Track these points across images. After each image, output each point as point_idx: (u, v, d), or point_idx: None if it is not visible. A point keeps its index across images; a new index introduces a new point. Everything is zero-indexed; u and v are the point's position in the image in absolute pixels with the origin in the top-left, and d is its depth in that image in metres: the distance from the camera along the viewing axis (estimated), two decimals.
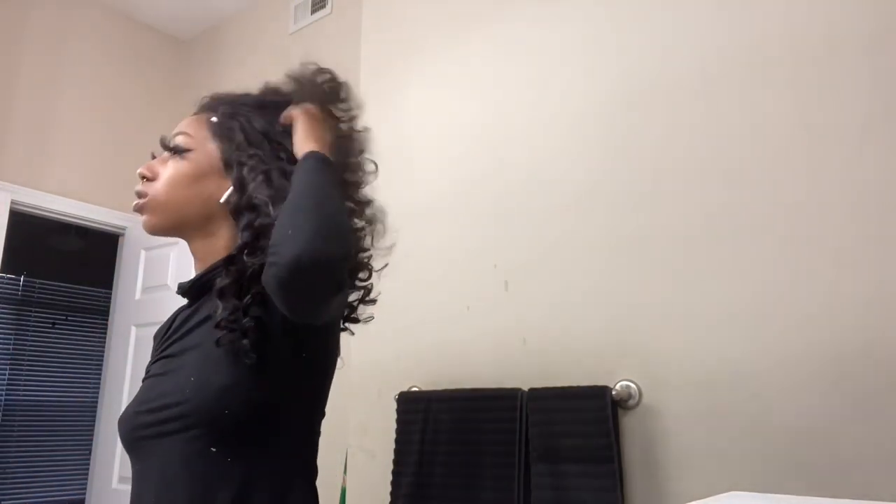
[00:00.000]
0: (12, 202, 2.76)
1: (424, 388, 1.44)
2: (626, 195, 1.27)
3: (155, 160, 0.96)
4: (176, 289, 0.95)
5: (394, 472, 1.38)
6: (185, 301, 0.96)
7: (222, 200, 0.90)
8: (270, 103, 0.98)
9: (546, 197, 1.38)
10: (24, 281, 4.46)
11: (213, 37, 2.87)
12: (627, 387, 1.19)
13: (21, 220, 2.89)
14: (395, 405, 1.44)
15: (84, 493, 3.06)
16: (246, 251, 0.83)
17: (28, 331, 4.48)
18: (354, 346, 1.64)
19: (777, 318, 1.08)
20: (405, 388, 1.46)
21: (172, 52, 3.01)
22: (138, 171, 0.95)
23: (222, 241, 0.92)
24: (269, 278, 0.76)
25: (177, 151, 0.93)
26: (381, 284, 1.66)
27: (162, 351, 0.91)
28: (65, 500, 4.22)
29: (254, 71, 2.59)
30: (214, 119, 0.95)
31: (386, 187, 1.68)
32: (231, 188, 0.90)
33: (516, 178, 1.43)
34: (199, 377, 0.82)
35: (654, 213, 1.23)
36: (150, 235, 1.10)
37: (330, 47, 2.34)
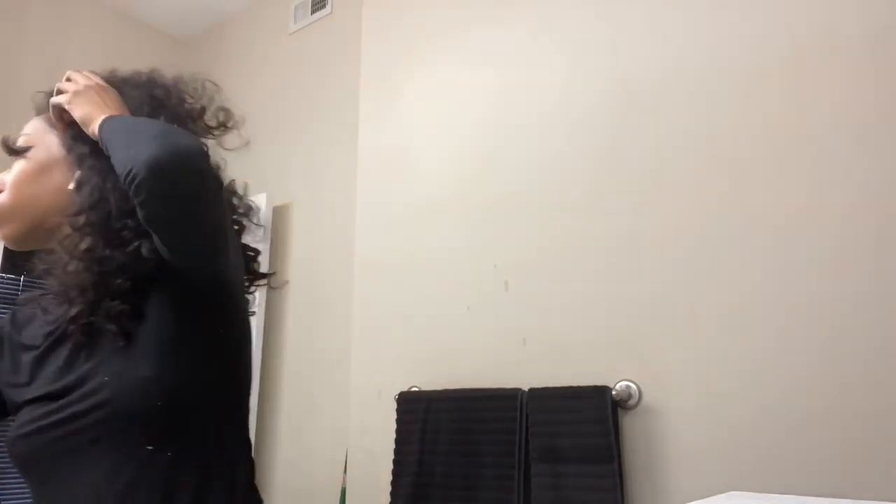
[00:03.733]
0: None
1: (424, 388, 1.44)
2: (626, 195, 1.27)
3: (3, 172, 0.92)
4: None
5: (394, 472, 1.38)
6: None
7: (71, 187, 0.85)
8: (112, 81, 0.93)
9: (546, 197, 1.38)
10: (24, 281, 4.46)
11: (213, 37, 2.87)
12: (627, 387, 1.19)
13: None
14: (395, 405, 1.44)
15: None
16: (106, 240, 0.80)
17: None
18: (354, 346, 1.64)
19: (777, 317, 1.08)
20: (405, 388, 1.46)
21: (172, 52, 3.01)
22: None
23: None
24: (142, 210, 0.72)
25: (17, 153, 0.90)
26: (382, 284, 1.66)
27: (39, 362, 0.84)
28: None
29: (254, 71, 2.60)
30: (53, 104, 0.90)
31: (386, 187, 1.69)
32: (79, 172, 0.85)
33: (516, 179, 1.43)
34: (114, 375, 0.78)
35: (654, 214, 1.23)
36: None
37: (330, 47, 2.34)
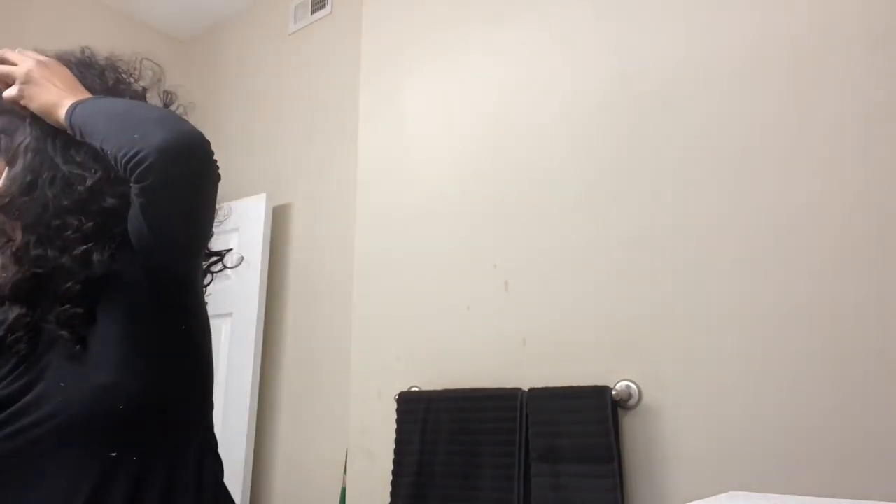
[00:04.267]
0: None
1: (424, 388, 1.44)
2: (626, 195, 1.27)
3: None
4: None
5: (394, 472, 1.38)
6: None
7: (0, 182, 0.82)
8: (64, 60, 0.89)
9: (546, 197, 1.38)
10: None
11: (213, 37, 2.87)
12: (627, 387, 1.19)
13: None
14: (395, 405, 1.44)
15: None
16: (40, 239, 0.75)
17: None
18: (354, 346, 1.64)
19: (777, 317, 1.08)
20: (405, 388, 1.46)
21: (172, 52, 3.01)
22: None
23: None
24: (144, 194, 0.69)
25: None
26: (381, 284, 1.66)
27: None
28: None
29: (253, 71, 2.60)
30: None
31: (386, 187, 1.69)
32: (6, 169, 0.82)
33: (516, 179, 1.43)
34: (69, 382, 0.74)
35: (654, 213, 1.23)
36: None
37: (330, 47, 2.35)
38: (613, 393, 1.17)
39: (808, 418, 1.02)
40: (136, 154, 0.69)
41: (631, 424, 1.18)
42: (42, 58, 0.84)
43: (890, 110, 1.04)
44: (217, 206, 0.88)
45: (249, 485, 2.02)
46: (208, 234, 0.81)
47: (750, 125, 1.16)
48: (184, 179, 0.71)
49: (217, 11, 2.79)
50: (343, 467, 1.70)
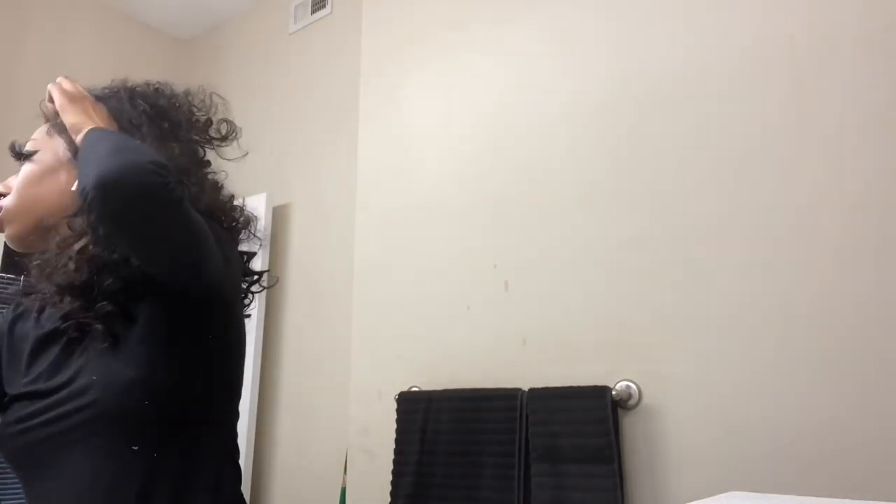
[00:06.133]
0: None
1: (424, 388, 1.44)
2: (626, 195, 1.27)
3: (12, 176, 0.94)
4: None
5: (394, 472, 1.38)
6: None
7: (74, 188, 0.85)
8: (105, 94, 0.95)
9: (546, 197, 1.38)
10: (24, 281, 4.45)
11: (213, 37, 2.87)
12: (627, 387, 1.19)
13: None
14: (395, 405, 1.44)
15: None
16: (98, 239, 0.81)
17: None
18: (354, 346, 1.64)
19: (777, 317, 1.08)
20: (405, 388, 1.46)
21: (172, 52, 3.01)
22: None
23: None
24: (98, 226, 0.75)
25: (24, 157, 0.92)
26: (381, 284, 1.66)
27: (32, 359, 0.85)
28: None
29: (254, 71, 2.60)
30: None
31: (386, 187, 1.69)
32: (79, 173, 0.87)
33: (516, 178, 1.43)
34: (103, 375, 0.78)
35: (654, 213, 1.23)
36: None
37: (330, 47, 2.34)
38: (613, 393, 1.17)
39: (808, 418, 1.02)
40: (82, 189, 0.72)
41: (631, 424, 1.18)
42: (89, 96, 0.90)
43: (890, 110, 1.04)
44: (243, 213, 0.95)
45: (249, 484, 2.02)
46: (201, 251, 0.80)
47: (750, 125, 1.16)
48: (119, 211, 0.73)
49: (217, 11, 2.79)
50: (343, 467, 1.70)
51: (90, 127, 0.83)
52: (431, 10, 1.68)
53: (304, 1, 2.48)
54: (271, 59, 2.55)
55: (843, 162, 1.07)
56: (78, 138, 0.83)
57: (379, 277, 1.63)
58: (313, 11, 2.43)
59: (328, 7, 2.38)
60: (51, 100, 0.89)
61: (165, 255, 0.78)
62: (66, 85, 0.89)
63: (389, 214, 1.65)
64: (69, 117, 0.85)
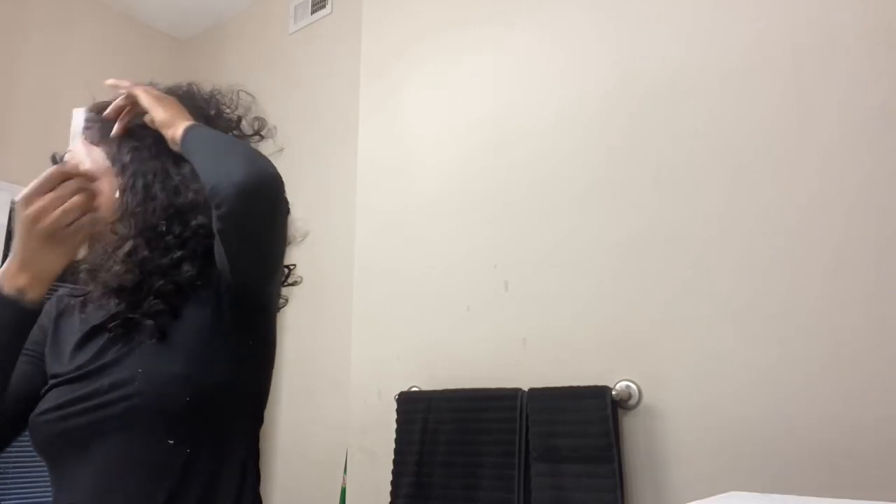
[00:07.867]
0: (12, 202, 2.76)
1: (424, 388, 1.44)
2: (626, 195, 1.27)
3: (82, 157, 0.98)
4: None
5: (394, 472, 1.38)
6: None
7: (117, 195, 0.91)
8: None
9: (546, 197, 1.38)
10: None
11: (213, 37, 2.87)
12: (627, 387, 1.19)
13: None
14: (395, 405, 1.44)
15: None
16: (148, 242, 0.85)
17: None
18: (354, 346, 1.64)
19: (777, 317, 1.08)
20: (405, 388, 1.46)
21: (172, 52, 3.01)
22: None
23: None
24: (220, 221, 0.77)
25: None
26: (381, 284, 1.66)
27: (77, 349, 0.88)
28: None
29: (254, 71, 2.59)
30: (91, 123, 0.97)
31: (386, 187, 1.69)
32: (121, 180, 0.91)
33: (516, 178, 1.43)
34: (148, 368, 0.81)
35: (654, 213, 1.23)
36: None
37: (330, 47, 2.34)
38: (613, 393, 1.17)
39: (808, 418, 1.02)
40: (218, 185, 0.77)
41: (631, 424, 1.18)
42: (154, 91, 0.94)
43: (891, 110, 1.04)
44: (293, 236, 0.98)
45: None
46: (278, 264, 0.88)
47: (750, 125, 1.16)
48: (253, 214, 0.79)
49: (217, 11, 2.79)
50: (343, 467, 1.70)
51: (187, 123, 0.87)
52: (431, 11, 1.68)
53: (304, 1, 2.48)
54: (271, 59, 2.54)
55: (843, 162, 1.07)
56: (173, 133, 0.86)
57: (379, 277, 1.63)
58: (313, 11, 2.43)
59: (328, 7, 2.38)
60: (118, 109, 0.93)
61: (260, 261, 0.84)
62: (142, 89, 0.93)
63: (389, 214, 1.65)
64: (160, 113, 0.89)
